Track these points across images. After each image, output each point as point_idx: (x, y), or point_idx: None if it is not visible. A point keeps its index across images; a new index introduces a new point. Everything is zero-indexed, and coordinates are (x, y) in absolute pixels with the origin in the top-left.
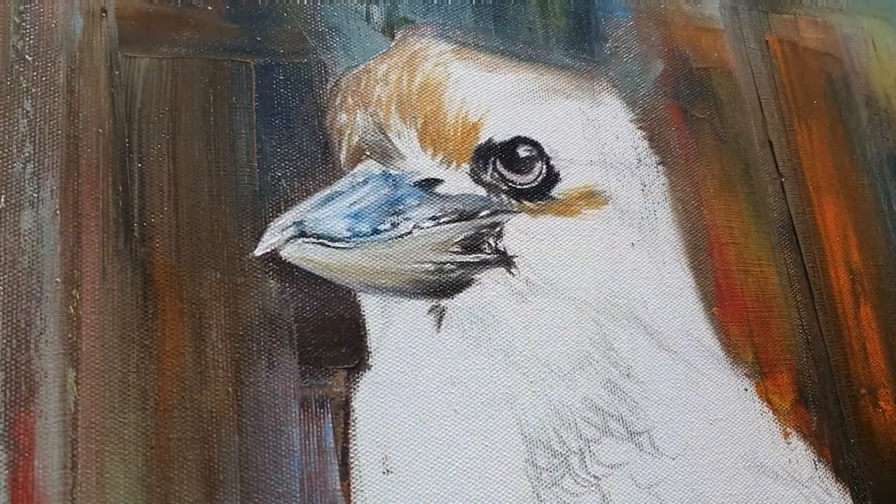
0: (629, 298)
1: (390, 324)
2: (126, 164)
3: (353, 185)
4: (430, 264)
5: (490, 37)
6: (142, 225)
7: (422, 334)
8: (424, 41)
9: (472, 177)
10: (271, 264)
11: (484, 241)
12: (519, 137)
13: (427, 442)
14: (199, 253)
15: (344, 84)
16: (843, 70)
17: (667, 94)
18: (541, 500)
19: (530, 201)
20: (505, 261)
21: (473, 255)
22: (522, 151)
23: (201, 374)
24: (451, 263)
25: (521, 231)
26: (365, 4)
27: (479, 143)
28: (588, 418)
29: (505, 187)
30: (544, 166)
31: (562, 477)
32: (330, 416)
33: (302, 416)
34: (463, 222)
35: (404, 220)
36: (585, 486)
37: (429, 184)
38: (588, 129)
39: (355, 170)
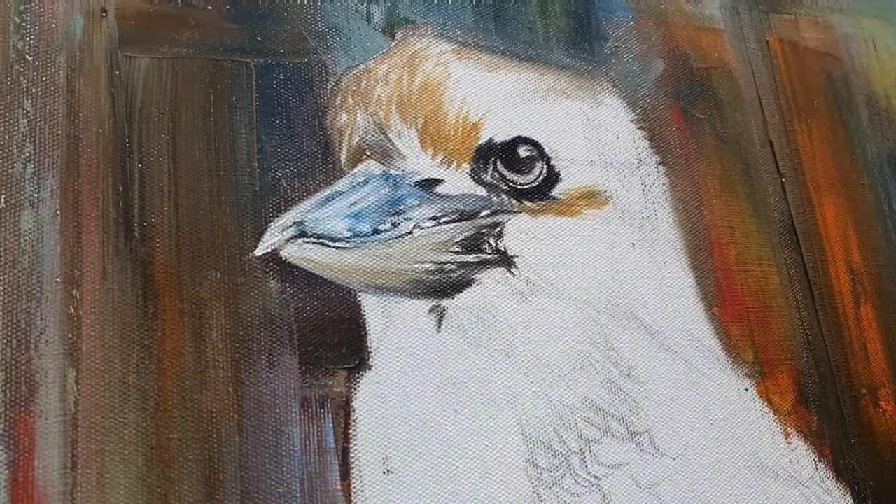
0: (630, 298)
1: (391, 324)
2: (126, 164)
3: (354, 185)
4: (430, 264)
5: (490, 37)
6: (142, 225)
7: (422, 334)
8: (425, 41)
9: (473, 177)
10: (271, 264)
11: (484, 241)
12: (519, 137)
13: (427, 442)
14: (199, 253)
15: (344, 84)
16: (844, 70)
17: (667, 94)
18: (541, 500)
19: (531, 201)
20: (505, 261)
21: (474, 255)
22: (523, 151)
23: (201, 374)
24: (452, 263)
25: (522, 231)
26: (365, 4)
27: (480, 142)
28: (588, 418)
29: (505, 187)
30: (545, 166)
31: (562, 477)
32: (330, 416)
33: (302, 416)
34: (463, 222)
35: (405, 220)
36: (586, 486)
37: (429, 184)
38: (588, 129)
39: (356, 170)
